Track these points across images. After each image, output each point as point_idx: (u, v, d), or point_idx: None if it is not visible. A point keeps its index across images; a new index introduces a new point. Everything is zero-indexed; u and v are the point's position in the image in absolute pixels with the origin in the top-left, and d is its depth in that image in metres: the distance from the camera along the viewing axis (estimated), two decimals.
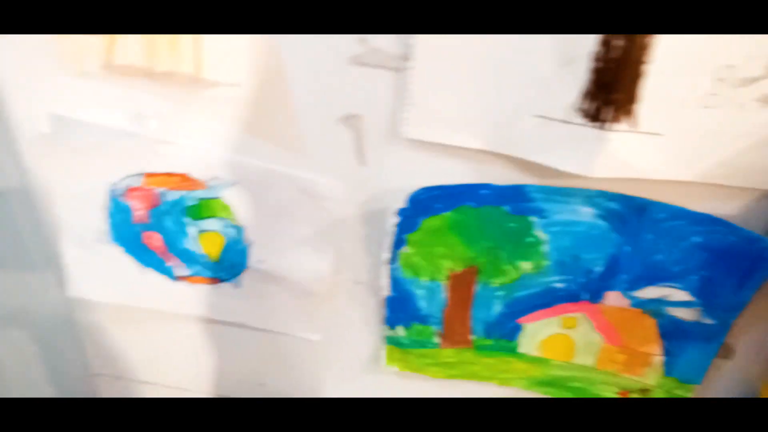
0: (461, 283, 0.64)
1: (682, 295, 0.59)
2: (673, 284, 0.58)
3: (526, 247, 0.60)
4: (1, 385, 0.95)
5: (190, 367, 0.82)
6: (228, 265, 0.68)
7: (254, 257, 0.67)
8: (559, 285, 0.62)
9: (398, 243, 0.61)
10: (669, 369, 0.64)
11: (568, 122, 0.48)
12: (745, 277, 0.55)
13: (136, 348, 0.82)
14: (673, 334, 0.62)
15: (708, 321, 0.59)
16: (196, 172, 0.62)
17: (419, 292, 0.65)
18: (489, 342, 0.68)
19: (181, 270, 0.70)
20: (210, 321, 0.75)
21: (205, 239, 0.67)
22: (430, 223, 0.59)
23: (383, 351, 0.72)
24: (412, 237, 0.60)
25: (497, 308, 0.65)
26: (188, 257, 0.68)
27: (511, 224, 0.58)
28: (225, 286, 0.71)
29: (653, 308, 0.61)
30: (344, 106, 0.55)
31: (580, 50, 0.46)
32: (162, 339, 0.79)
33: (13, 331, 0.88)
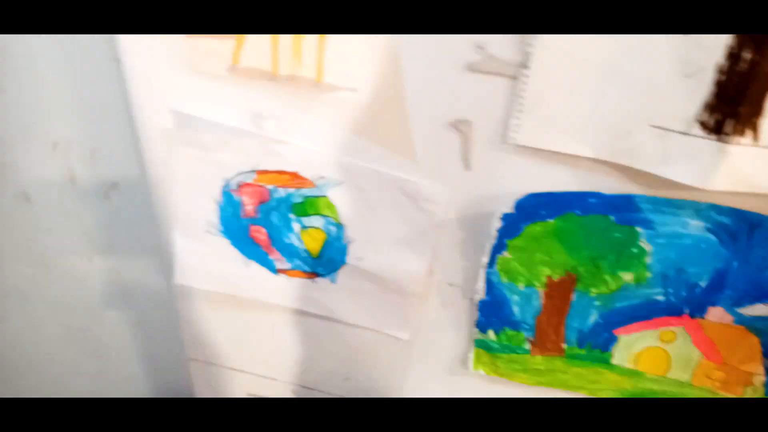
0: (558, 291, 0.64)
1: None
2: None
3: (629, 258, 0.60)
4: (99, 363, 1.01)
5: (280, 358, 0.86)
6: (326, 261, 0.71)
7: (353, 255, 0.70)
8: (659, 297, 0.61)
9: (498, 247, 0.62)
10: None
11: (687, 134, 0.48)
12: None
13: (231, 336, 0.86)
14: None
15: None
16: (305, 171, 0.65)
17: (514, 298, 0.66)
18: (581, 351, 0.68)
19: (282, 264, 0.73)
20: (304, 314, 0.78)
21: (307, 235, 0.70)
22: (533, 229, 0.59)
23: (471, 354, 0.73)
24: (513, 242, 0.61)
25: (593, 318, 0.65)
26: (290, 252, 0.72)
27: (616, 234, 0.58)
28: (322, 281, 0.73)
29: (759, 326, 0.59)
30: (455, 111, 0.56)
31: (705, 62, 0.46)
32: (256, 329, 0.83)
33: (117, 311, 0.94)
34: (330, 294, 0.74)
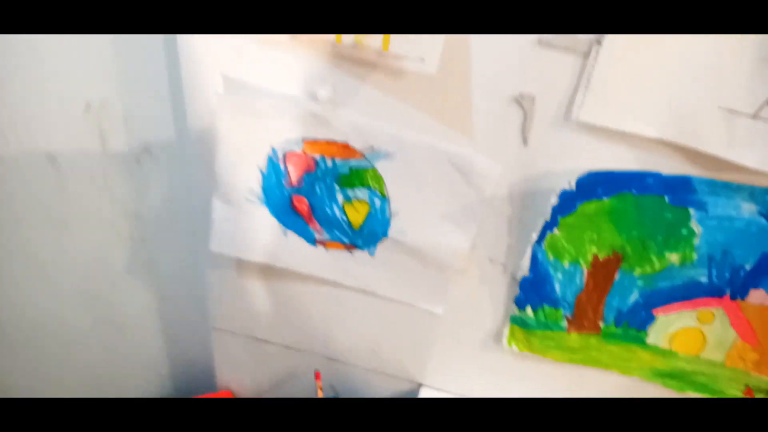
0: (603, 270, 0.65)
1: None
2: None
3: (677, 239, 0.61)
4: (115, 330, 1.00)
5: (306, 329, 0.86)
6: (367, 234, 0.71)
7: (395, 228, 0.70)
8: (703, 279, 0.63)
9: (550, 224, 0.62)
10: None
11: (757, 117, 0.49)
12: None
13: (261, 306, 0.85)
14: None
15: None
16: (355, 142, 0.64)
17: (558, 275, 0.67)
18: (618, 330, 0.69)
19: (321, 235, 0.73)
20: (336, 285, 0.78)
21: (350, 207, 0.69)
22: (587, 207, 0.60)
23: (506, 330, 0.74)
24: (565, 220, 0.62)
25: (634, 297, 0.66)
26: (331, 223, 0.71)
27: (668, 215, 0.59)
28: (360, 254, 0.73)
29: None
30: (520, 86, 0.56)
31: None
32: (285, 299, 0.83)
33: (137, 280, 0.92)
34: (367, 267, 0.74)
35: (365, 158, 0.65)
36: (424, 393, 0.86)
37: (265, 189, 0.70)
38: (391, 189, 0.67)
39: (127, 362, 1.04)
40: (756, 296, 0.62)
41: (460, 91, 0.58)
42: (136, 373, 1.05)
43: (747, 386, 0.69)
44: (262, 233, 0.74)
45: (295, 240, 0.74)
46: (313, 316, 0.84)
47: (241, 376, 0.96)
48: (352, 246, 0.73)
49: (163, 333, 1.00)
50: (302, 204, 0.71)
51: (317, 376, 0.88)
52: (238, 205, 0.72)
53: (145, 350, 1.02)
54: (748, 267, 0.60)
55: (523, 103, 0.57)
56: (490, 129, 0.60)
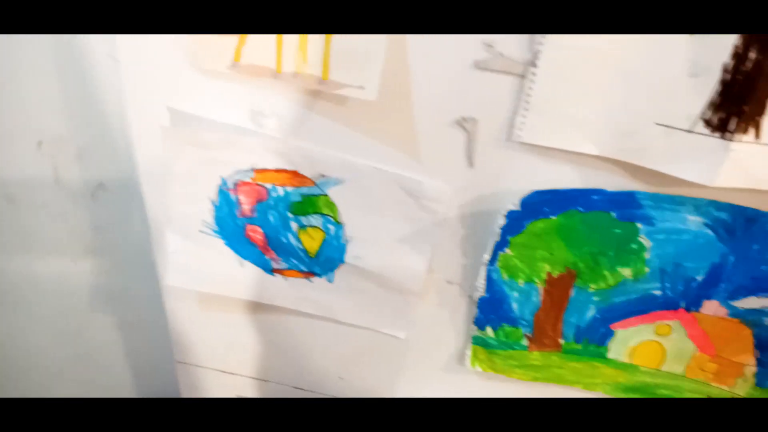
0: (558, 287, 0.65)
1: None
2: None
3: (628, 254, 0.61)
4: (86, 365, 0.98)
5: (271, 359, 0.85)
6: (324, 260, 0.71)
7: (351, 253, 0.69)
8: (656, 292, 0.63)
9: (500, 244, 0.62)
10: (761, 380, 0.65)
11: (692, 132, 0.50)
12: None
13: (220, 338, 0.84)
14: None
15: None
16: (305, 170, 0.64)
17: (514, 294, 0.67)
18: (578, 346, 0.69)
19: (278, 264, 0.72)
20: (298, 314, 0.77)
21: (305, 234, 0.69)
22: (536, 226, 0.60)
23: (468, 351, 0.73)
24: (515, 239, 0.62)
25: (591, 313, 0.66)
26: (287, 251, 0.71)
27: (617, 230, 0.59)
28: (318, 281, 0.73)
29: (752, 318, 0.61)
30: (461, 109, 0.56)
31: (711, 61, 0.47)
32: (247, 330, 0.82)
33: (104, 314, 0.91)
34: (327, 294, 0.74)
35: (316, 185, 0.65)
36: None
37: (218, 220, 0.70)
38: (345, 215, 0.67)
39: (98, 395, 1.02)
40: (710, 307, 0.62)
41: (404, 116, 0.58)
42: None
43: (709, 397, 0.69)
44: (218, 265, 0.73)
45: (252, 270, 0.73)
46: (278, 346, 0.83)
47: None
48: (310, 273, 0.73)
49: (134, 367, 0.98)
50: (257, 233, 0.70)
51: None
52: (193, 238, 0.72)
53: (117, 385, 1.01)
54: (699, 279, 0.61)
55: (465, 125, 0.57)
56: (436, 152, 0.60)
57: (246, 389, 0.90)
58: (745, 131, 0.49)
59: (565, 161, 0.57)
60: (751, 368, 0.65)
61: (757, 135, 0.49)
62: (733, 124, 0.48)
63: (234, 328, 0.83)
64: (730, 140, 0.49)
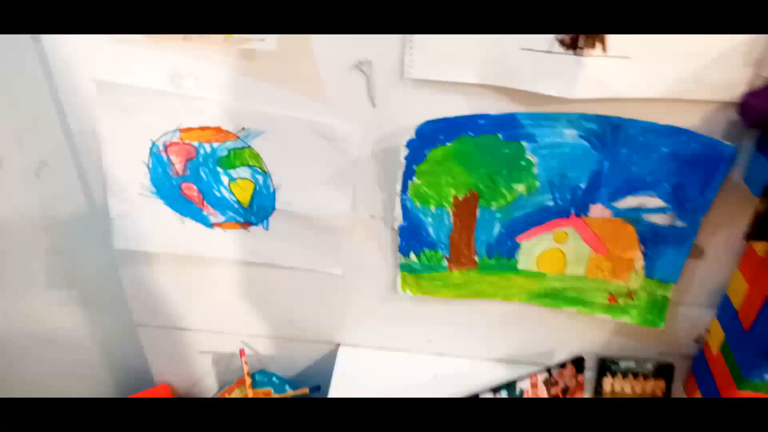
0: (465, 209, 0.73)
1: (656, 202, 0.68)
2: (648, 192, 0.68)
3: (519, 171, 0.69)
4: (48, 343, 1.03)
5: (225, 311, 0.91)
6: (257, 210, 0.77)
7: (281, 200, 0.76)
8: (549, 203, 0.71)
9: (408, 174, 0.70)
10: (649, 271, 0.74)
11: (551, 52, 0.57)
12: (708, 179, 0.64)
13: (177, 296, 0.90)
14: (650, 238, 0.71)
15: (680, 224, 0.69)
16: (227, 125, 0.70)
17: (428, 220, 0.74)
18: (491, 262, 0.77)
19: (216, 217, 0.78)
20: (243, 264, 0.84)
21: (236, 186, 0.75)
22: (435, 153, 0.68)
23: (398, 278, 0.81)
24: (420, 168, 0.69)
25: (497, 229, 0.74)
26: (222, 204, 0.77)
27: (506, 150, 0.67)
28: (255, 230, 0.79)
29: (632, 216, 0.70)
30: (357, 53, 0.63)
31: None
32: (199, 285, 0.88)
33: (61, 290, 0.96)
34: (265, 241, 0.80)
35: (239, 138, 0.71)
36: (342, 352, 0.93)
37: (154, 181, 0.76)
38: (270, 164, 0.73)
39: (67, 372, 1.08)
40: (596, 211, 0.71)
41: (308, 64, 0.64)
42: (78, 381, 1.09)
43: (610, 293, 0.78)
44: (160, 224, 0.79)
45: (192, 226, 0.79)
46: (228, 297, 0.90)
47: (174, 366, 1.01)
48: (246, 224, 0.79)
49: (94, 337, 1.03)
50: (192, 190, 0.76)
51: (241, 353, 0.94)
52: (133, 201, 0.77)
53: (81, 358, 1.06)
54: (583, 186, 0.69)
55: (363, 69, 0.64)
56: (342, 97, 0.67)
57: (204, 343, 0.96)
58: (593, 46, 0.56)
59: (453, 92, 0.64)
60: (639, 262, 0.74)
61: (604, 48, 0.57)
62: (582, 41, 0.56)
63: (183, 286, 0.89)
64: (581, 56, 0.57)
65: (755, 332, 0.67)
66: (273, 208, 0.77)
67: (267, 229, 0.79)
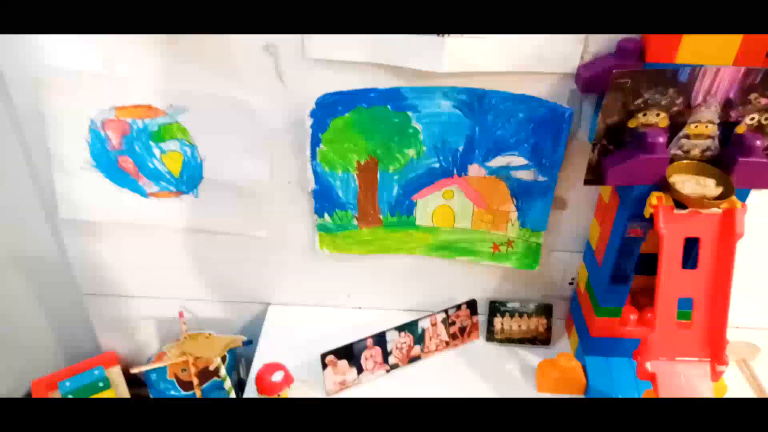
0: (367, 172, 0.85)
1: (520, 161, 0.82)
2: (512, 152, 0.81)
3: (408, 137, 0.82)
4: (4, 323, 1.10)
5: (166, 276, 1.01)
6: (187, 179, 0.88)
7: (208, 169, 0.87)
8: (435, 165, 0.84)
9: (315, 142, 0.82)
10: (522, 222, 0.88)
11: (421, 33, 0.70)
12: (556, 138, 0.78)
13: (119, 265, 1.00)
14: (520, 192, 0.85)
15: (541, 178, 0.83)
16: (156, 102, 0.81)
17: (337, 183, 0.86)
18: (394, 219, 0.90)
19: (151, 187, 0.89)
20: (178, 230, 0.95)
21: (167, 158, 0.86)
22: (336, 123, 0.80)
23: (317, 237, 0.93)
24: (325, 136, 0.81)
25: (396, 190, 0.87)
26: (155, 175, 0.88)
27: (395, 119, 0.80)
28: (187, 198, 0.90)
29: (503, 174, 0.84)
30: (264, 37, 0.75)
31: None
32: (139, 253, 0.98)
33: (9, 267, 1.04)
34: (195, 208, 0.91)
35: (168, 115, 0.82)
36: (272, 310, 1.04)
37: (94, 156, 0.86)
38: (196, 137, 0.84)
39: (17, 346, 1.15)
40: (473, 170, 0.84)
41: (224, 48, 0.76)
42: (25, 351, 1.15)
43: (493, 243, 0.92)
44: (101, 195, 0.89)
45: (130, 197, 0.90)
46: (165, 263, 1.00)
47: (118, 333, 1.10)
48: (178, 192, 0.90)
49: (41, 307, 1.10)
50: (128, 163, 0.87)
51: (180, 315, 1.04)
52: (76, 174, 0.87)
53: (29, 331, 1.13)
54: (460, 149, 0.82)
55: (270, 50, 0.76)
56: (255, 75, 0.78)
57: (146, 309, 1.06)
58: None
59: (347, 70, 0.76)
60: (513, 214, 0.88)
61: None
62: None
63: (125, 254, 0.99)
64: (443, 35, 0.70)
65: (605, 265, 0.82)
66: (201, 177, 0.88)
67: (197, 197, 0.90)
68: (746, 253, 0.84)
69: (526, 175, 0.83)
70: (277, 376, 0.78)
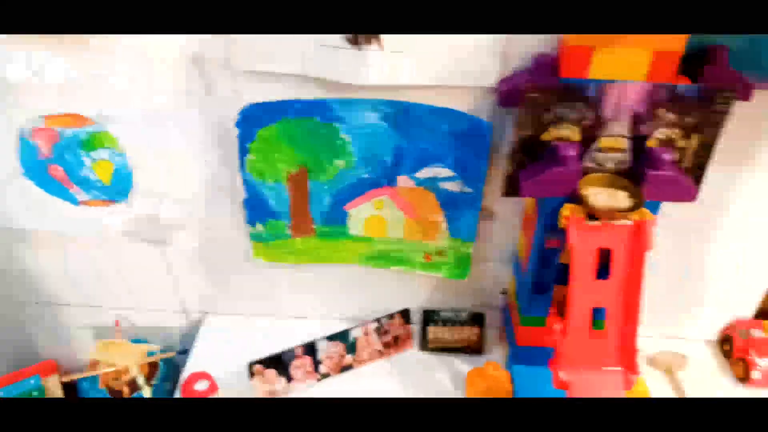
0: (297, 182, 0.86)
1: (446, 172, 0.83)
2: (439, 164, 0.83)
3: (337, 148, 0.83)
4: None
5: (104, 285, 1.01)
6: (118, 187, 0.88)
7: (138, 177, 0.87)
8: (366, 176, 0.85)
9: (243, 152, 0.82)
10: (453, 232, 0.89)
11: (341, 48, 0.72)
12: (479, 151, 0.80)
13: (54, 273, 1.00)
14: (449, 203, 0.86)
15: (468, 190, 0.84)
16: (85, 111, 0.81)
17: (268, 193, 0.87)
18: (327, 229, 0.91)
19: (82, 196, 0.89)
20: (111, 239, 0.94)
21: (98, 167, 0.86)
22: (263, 133, 0.81)
23: (251, 246, 0.94)
24: (252, 146, 0.82)
25: (327, 200, 0.88)
26: (86, 184, 0.88)
27: (323, 131, 0.81)
28: (119, 206, 0.90)
29: (430, 185, 0.85)
30: (191, 47, 0.75)
31: None
32: (74, 261, 0.98)
33: None
34: (128, 216, 0.91)
35: (97, 124, 0.82)
36: (209, 320, 1.04)
37: (24, 164, 0.85)
38: (126, 146, 0.84)
39: None
40: (402, 181, 0.85)
41: (153, 58, 0.76)
42: None
43: (425, 253, 0.93)
44: (32, 204, 0.89)
45: (61, 204, 0.89)
46: (101, 271, 0.99)
47: (56, 341, 1.09)
48: (110, 201, 0.90)
49: None
50: (58, 171, 0.86)
51: (116, 324, 1.04)
52: (7, 182, 0.87)
53: None
54: (389, 161, 0.83)
55: (197, 63, 0.76)
56: (182, 86, 0.79)
57: (81, 317, 1.05)
58: (371, 43, 0.71)
59: (273, 80, 0.77)
60: (443, 224, 0.89)
61: (380, 45, 0.71)
62: (362, 39, 0.71)
63: (62, 261, 0.98)
64: (361, 50, 0.71)
65: (527, 275, 0.83)
66: (131, 186, 0.88)
67: (130, 205, 0.90)
68: (675, 261, 0.86)
69: (453, 187, 0.84)
70: (201, 385, 0.79)
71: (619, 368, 0.72)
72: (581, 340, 0.71)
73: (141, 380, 0.88)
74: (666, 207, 0.73)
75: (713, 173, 0.72)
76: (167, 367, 1.03)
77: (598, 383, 0.72)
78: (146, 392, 0.87)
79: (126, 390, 0.95)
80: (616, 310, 0.71)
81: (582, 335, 0.71)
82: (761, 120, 0.76)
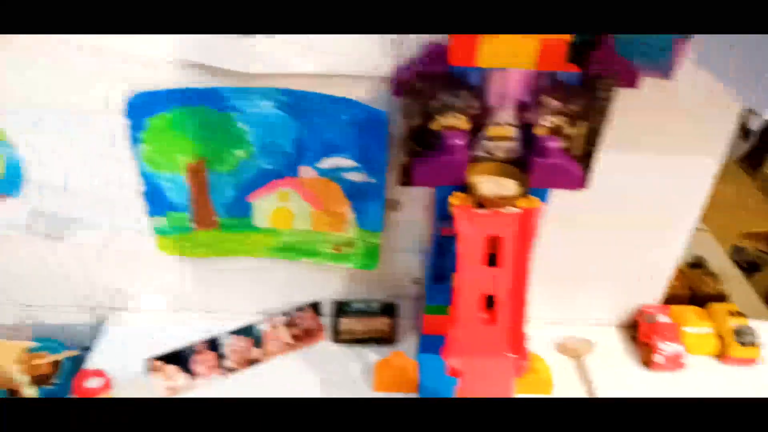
0: (196, 174, 0.84)
1: (349, 163, 0.82)
2: (341, 155, 0.82)
3: (235, 138, 0.81)
4: None
5: (8, 283, 0.97)
6: (9, 181, 0.84)
7: (31, 172, 0.84)
8: (267, 166, 0.84)
9: (135, 140, 0.80)
10: (360, 222, 0.89)
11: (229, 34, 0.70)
12: (378, 140, 0.79)
13: None
14: (354, 194, 0.86)
15: (371, 180, 0.84)
16: None
17: (165, 184, 0.85)
18: (231, 221, 0.89)
19: None
20: (5, 234, 0.91)
21: None
22: (155, 122, 0.78)
23: (155, 240, 0.91)
24: (145, 135, 0.79)
25: (229, 192, 0.86)
26: None
27: (218, 120, 0.79)
28: (12, 201, 0.86)
29: (334, 175, 0.84)
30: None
31: None
32: None
33: None
34: (24, 211, 0.88)
35: None
36: (115, 316, 1.01)
37: None
38: (16, 137, 0.81)
39: None
40: (305, 172, 0.84)
41: (44, 48, 0.73)
42: None
43: (334, 244, 0.92)
44: None
45: None
46: (5, 269, 0.96)
47: None
48: (2, 195, 0.86)
49: None
50: None
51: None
52: None
53: None
54: (290, 151, 0.82)
55: (81, 49, 0.74)
56: (72, 75, 0.76)
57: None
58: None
59: (161, 68, 0.75)
60: (350, 215, 0.88)
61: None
62: None
63: None
64: (249, 36, 0.70)
65: (428, 264, 0.83)
66: (22, 179, 0.84)
67: (26, 200, 0.87)
68: (579, 249, 0.87)
69: (356, 177, 0.84)
70: (94, 383, 0.76)
71: (511, 354, 0.73)
72: (472, 327, 0.72)
73: (20, 378, 0.84)
74: (562, 195, 0.74)
75: (616, 161, 0.72)
76: (74, 366, 1.00)
77: (490, 370, 0.73)
78: (30, 392, 0.84)
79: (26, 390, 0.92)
80: (505, 297, 0.72)
81: (472, 323, 0.72)
82: (652, 108, 0.77)
